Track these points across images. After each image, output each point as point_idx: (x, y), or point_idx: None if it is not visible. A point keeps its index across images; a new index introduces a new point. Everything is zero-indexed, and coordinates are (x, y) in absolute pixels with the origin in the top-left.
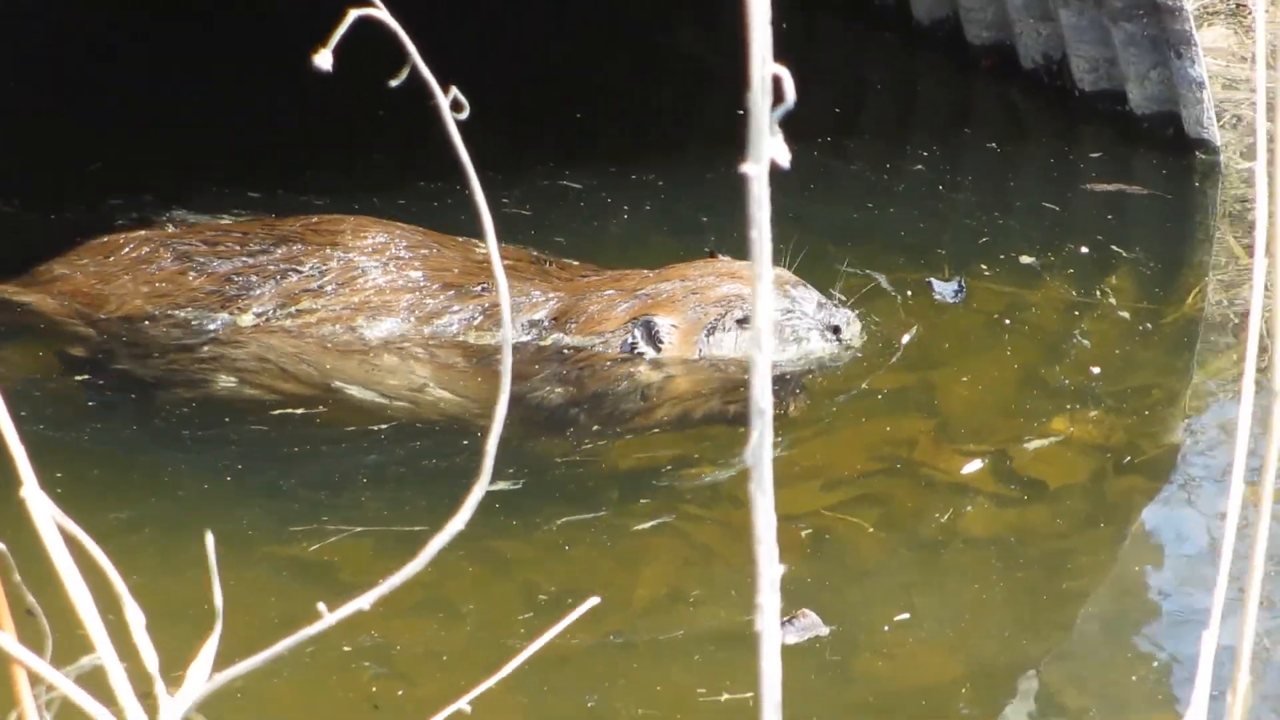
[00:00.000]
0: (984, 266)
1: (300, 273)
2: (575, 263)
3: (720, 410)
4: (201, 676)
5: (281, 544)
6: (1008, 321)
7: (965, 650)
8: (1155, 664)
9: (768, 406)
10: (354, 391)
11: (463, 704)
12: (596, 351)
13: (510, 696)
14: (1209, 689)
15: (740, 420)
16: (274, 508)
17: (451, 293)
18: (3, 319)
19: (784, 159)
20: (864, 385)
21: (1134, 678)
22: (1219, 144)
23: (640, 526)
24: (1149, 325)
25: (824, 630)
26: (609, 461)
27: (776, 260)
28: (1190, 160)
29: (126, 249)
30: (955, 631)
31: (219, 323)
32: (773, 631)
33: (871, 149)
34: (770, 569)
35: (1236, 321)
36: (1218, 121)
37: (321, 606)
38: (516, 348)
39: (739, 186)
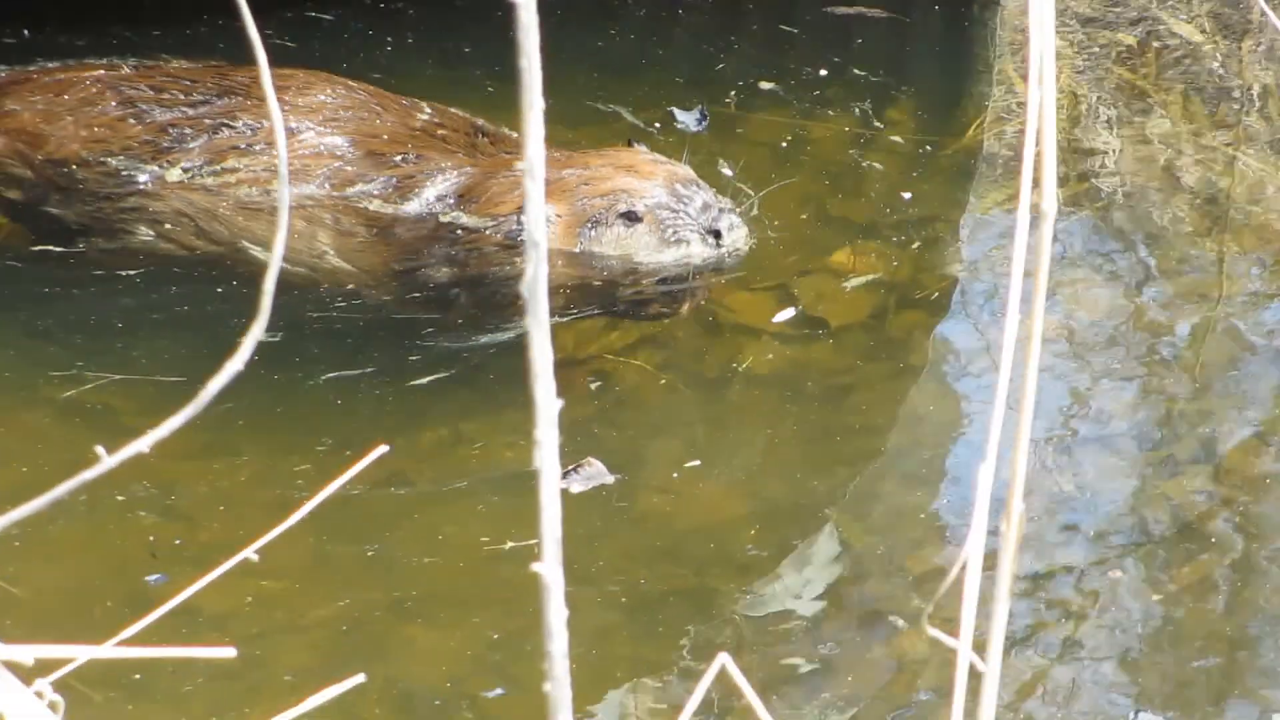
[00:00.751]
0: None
1: (233, 129)
2: (515, 135)
3: (598, 302)
4: None
5: (50, 389)
6: (787, 149)
7: (753, 492)
8: (942, 498)
9: (541, 239)
10: (257, 253)
11: (249, 553)
12: (485, 234)
13: (292, 546)
14: (986, 521)
15: (621, 313)
16: (33, 351)
17: (370, 160)
18: None
19: None
20: None
21: (921, 514)
22: None
23: (418, 381)
24: (928, 153)
25: (609, 479)
26: (388, 324)
27: (675, 153)
28: None
29: (76, 88)
30: (745, 474)
31: (148, 175)
32: (551, 467)
33: None
34: (548, 405)
35: (1012, 154)
36: None
37: (100, 450)
38: (416, 221)
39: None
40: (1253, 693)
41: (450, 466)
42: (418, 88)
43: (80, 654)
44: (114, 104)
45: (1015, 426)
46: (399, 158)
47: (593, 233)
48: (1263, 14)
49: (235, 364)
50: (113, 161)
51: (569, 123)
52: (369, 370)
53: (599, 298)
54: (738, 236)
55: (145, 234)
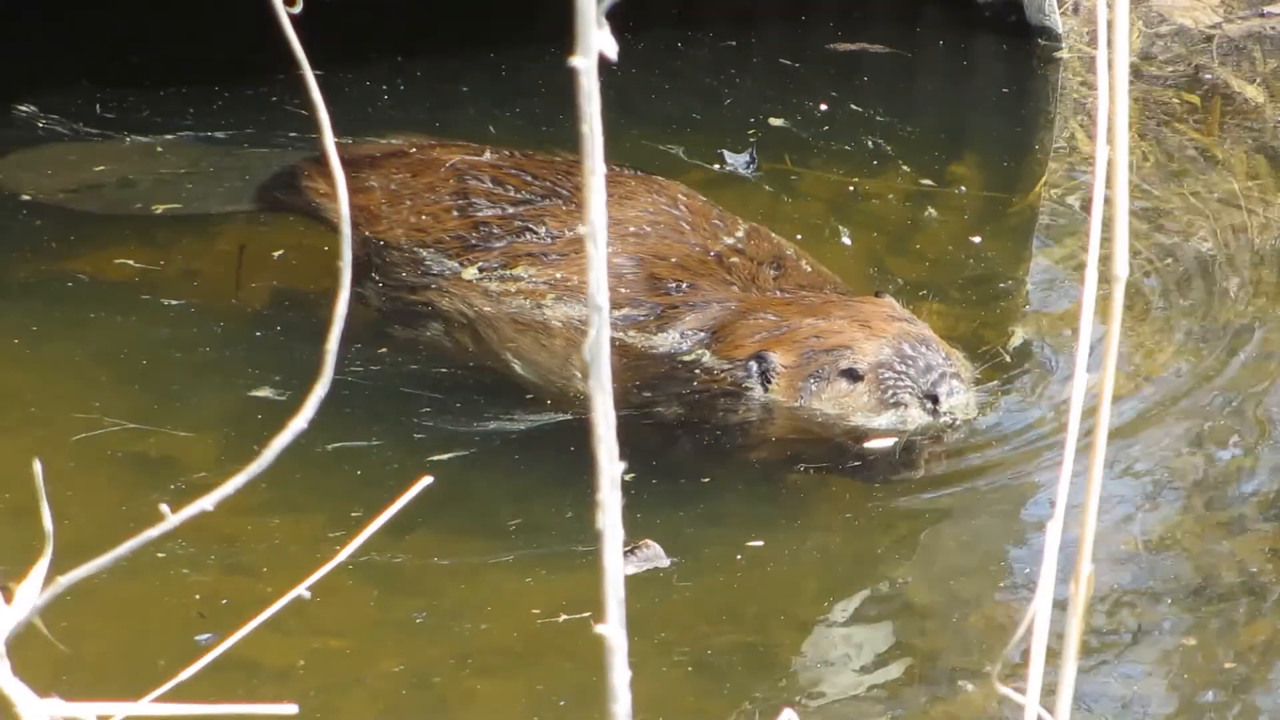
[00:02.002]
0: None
1: (535, 234)
2: (812, 270)
3: (810, 457)
4: (31, 595)
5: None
6: (842, 203)
7: (820, 556)
8: (1008, 555)
9: (604, 301)
10: (519, 369)
11: (302, 590)
12: (719, 375)
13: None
14: (1054, 578)
15: (829, 470)
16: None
17: (647, 285)
18: (304, 202)
19: (611, 51)
20: None
21: (987, 570)
22: (1061, 30)
23: (459, 453)
24: (994, 213)
25: (665, 561)
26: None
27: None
28: (1032, 47)
29: (430, 171)
30: (814, 548)
31: (447, 270)
32: (614, 528)
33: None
34: (611, 466)
35: (1079, 209)
36: (1060, 8)
37: (165, 508)
38: (665, 355)
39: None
40: None
41: (505, 542)
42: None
43: (139, 710)
44: (449, 193)
45: (1085, 485)
46: (673, 285)
47: (814, 387)
48: None
49: (300, 422)
50: (423, 252)
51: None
52: (419, 436)
53: (811, 453)
54: (957, 404)
55: (435, 329)
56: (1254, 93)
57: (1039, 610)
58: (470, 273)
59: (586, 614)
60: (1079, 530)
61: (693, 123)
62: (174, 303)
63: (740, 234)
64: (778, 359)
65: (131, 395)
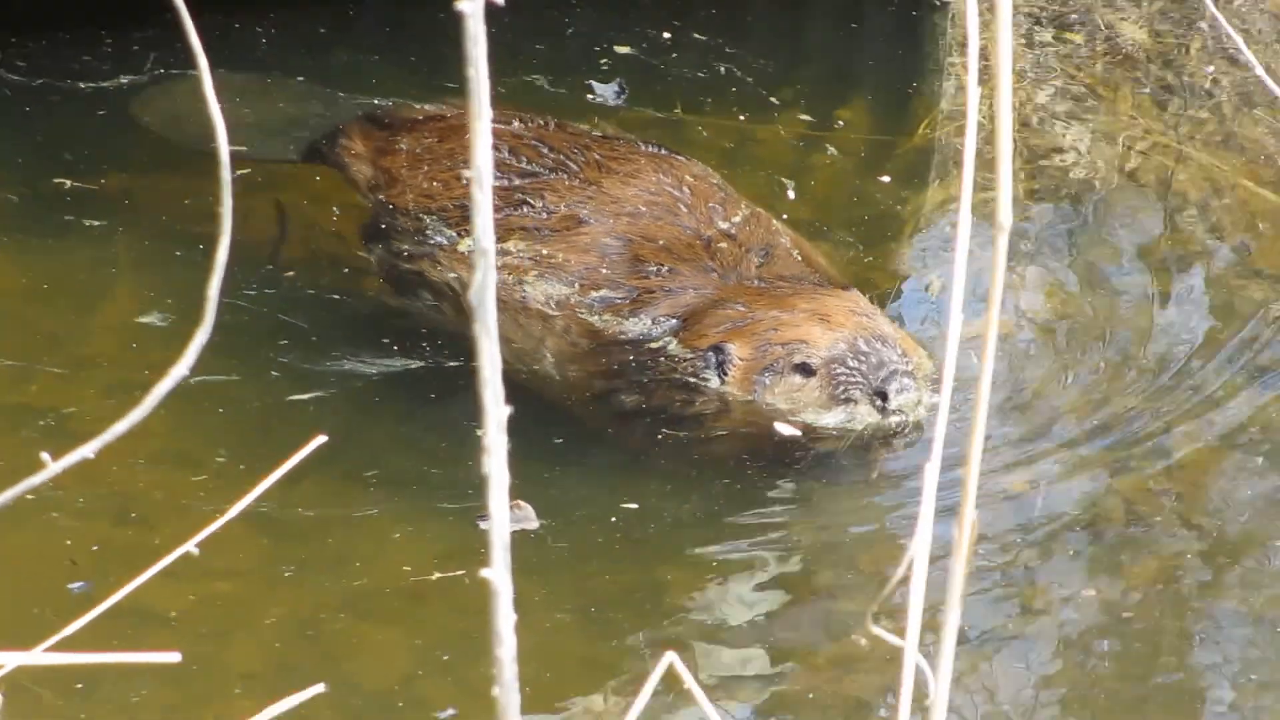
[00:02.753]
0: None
1: (531, 208)
2: (797, 256)
3: (756, 452)
4: None
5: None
6: (734, 150)
7: (703, 494)
8: (895, 499)
9: (489, 245)
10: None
11: (190, 546)
12: (679, 365)
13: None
14: (932, 521)
15: (771, 469)
16: None
17: (628, 266)
18: (336, 159)
19: None
20: None
21: (873, 514)
22: None
23: (352, 402)
24: (879, 152)
25: (535, 524)
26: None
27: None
28: None
29: (455, 137)
30: (697, 499)
31: (444, 240)
32: (500, 472)
33: None
34: (496, 409)
35: (961, 151)
36: None
37: (46, 456)
38: (633, 341)
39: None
40: (1200, 691)
41: (388, 488)
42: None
43: (29, 660)
44: (464, 161)
45: (970, 428)
46: (654, 268)
47: (768, 381)
48: (1212, 17)
49: (181, 369)
50: (426, 220)
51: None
52: (310, 385)
53: (756, 447)
54: (906, 401)
55: (426, 299)
56: (1136, 33)
57: (918, 552)
58: (466, 245)
59: (465, 567)
60: (964, 473)
61: (541, 55)
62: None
63: (737, 219)
64: (735, 350)
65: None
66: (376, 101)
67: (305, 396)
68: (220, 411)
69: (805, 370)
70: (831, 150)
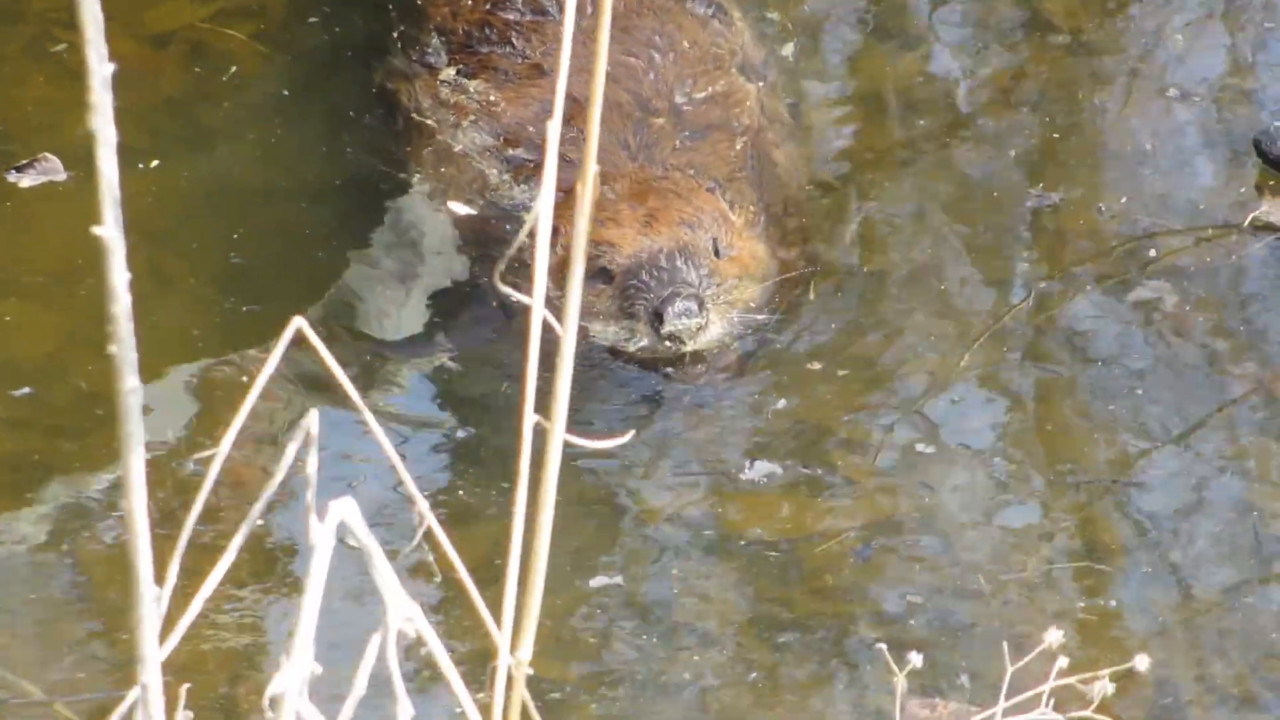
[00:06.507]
0: None
1: (513, 48)
2: (730, 151)
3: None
4: None
5: None
6: None
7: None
8: None
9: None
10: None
11: None
12: (525, 247)
13: None
14: (555, 178)
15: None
16: None
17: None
18: None
19: None
20: None
21: None
22: None
23: None
24: None
25: (62, 175)
26: None
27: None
28: None
29: None
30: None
31: (437, 62)
32: (107, 128)
33: None
34: (101, 67)
35: None
36: None
37: None
38: (512, 210)
39: None
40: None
41: None
42: None
43: None
44: None
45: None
46: (572, 135)
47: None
48: None
49: None
50: (435, 40)
51: None
52: None
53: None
54: (682, 328)
55: (394, 124)
56: None
57: (541, 212)
58: (448, 73)
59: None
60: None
61: None
62: None
63: (702, 94)
64: (560, 240)
65: None
66: None
67: None
68: None
69: (606, 275)
70: None
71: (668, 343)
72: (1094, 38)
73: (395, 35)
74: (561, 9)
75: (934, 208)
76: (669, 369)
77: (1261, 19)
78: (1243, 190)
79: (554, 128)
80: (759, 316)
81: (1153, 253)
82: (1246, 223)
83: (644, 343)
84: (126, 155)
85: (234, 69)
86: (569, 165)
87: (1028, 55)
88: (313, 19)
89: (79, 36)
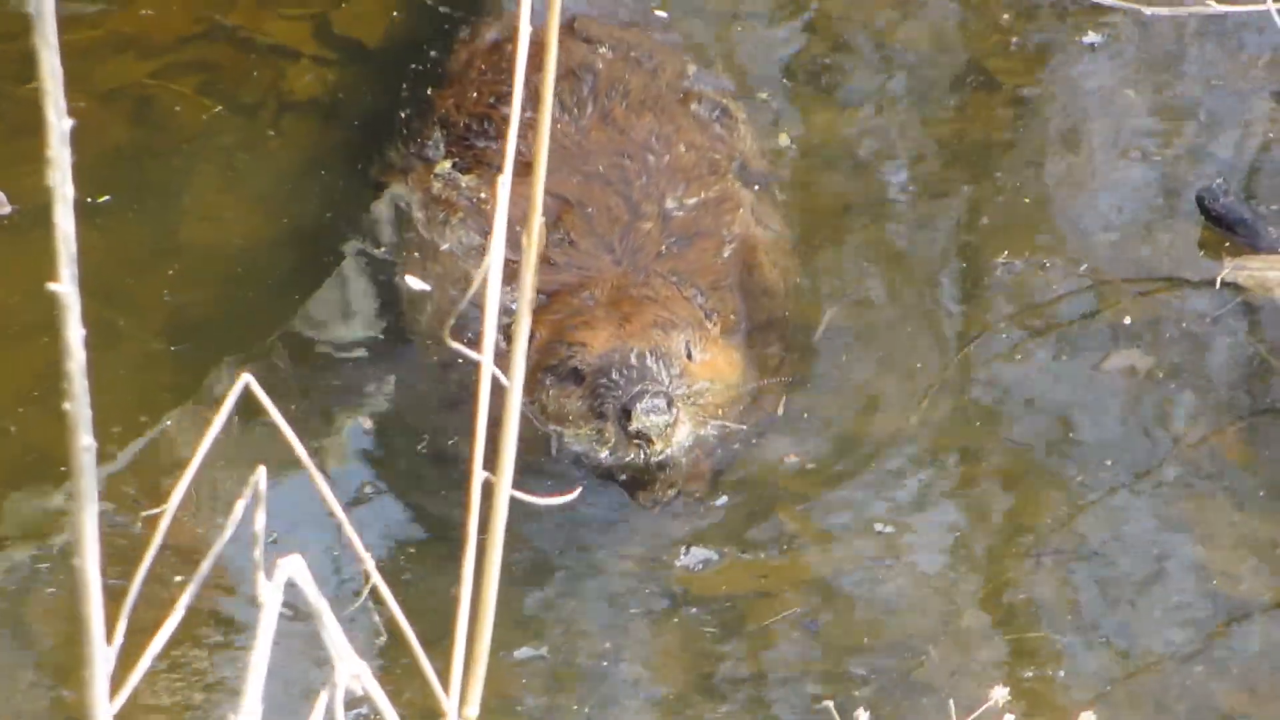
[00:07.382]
0: None
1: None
2: (718, 259)
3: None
4: None
5: None
6: None
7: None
8: None
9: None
10: (412, 284)
11: None
12: (501, 349)
13: None
14: (505, 234)
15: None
16: None
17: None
18: None
19: None
20: None
21: None
22: None
23: None
24: None
25: (8, 209)
26: None
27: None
28: None
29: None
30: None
31: (434, 155)
32: (65, 183)
33: None
34: (60, 122)
35: None
36: None
37: None
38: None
39: None
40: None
41: None
42: None
43: None
44: (507, 73)
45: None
46: (559, 236)
47: (548, 380)
48: None
49: None
50: (436, 132)
51: None
52: None
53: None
54: (650, 426)
55: (381, 211)
56: None
57: (492, 266)
58: (443, 166)
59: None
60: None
61: None
62: None
63: (693, 200)
64: (537, 342)
65: None
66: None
67: None
68: None
69: (576, 376)
70: None
71: (636, 441)
72: (1041, 94)
73: (400, 125)
74: (570, 107)
75: (877, 268)
76: (639, 492)
77: (1208, 75)
78: (1190, 247)
79: (504, 182)
80: (731, 425)
81: (1102, 310)
82: (1218, 285)
83: (613, 444)
84: (75, 209)
85: (181, 124)
86: (558, 269)
87: (972, 114)
88: (256, 73)
89: (31, 91)
